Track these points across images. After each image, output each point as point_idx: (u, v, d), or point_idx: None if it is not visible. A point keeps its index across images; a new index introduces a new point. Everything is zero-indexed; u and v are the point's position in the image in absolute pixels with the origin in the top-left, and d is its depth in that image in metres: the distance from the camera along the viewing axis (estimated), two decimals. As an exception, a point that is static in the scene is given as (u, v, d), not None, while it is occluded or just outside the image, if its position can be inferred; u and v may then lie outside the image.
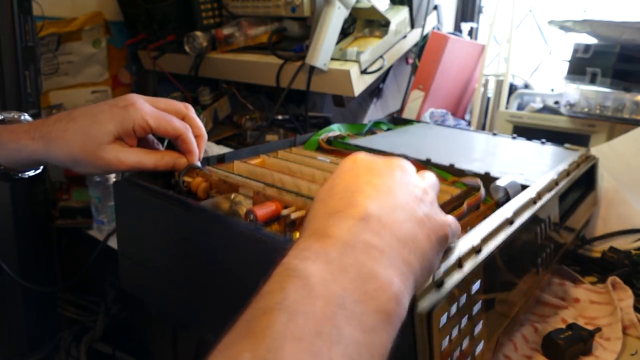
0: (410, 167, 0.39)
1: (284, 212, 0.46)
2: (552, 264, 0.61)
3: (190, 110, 0.56)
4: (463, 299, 0.38)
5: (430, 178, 0.39)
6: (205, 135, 0.57)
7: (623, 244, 0.78)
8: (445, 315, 0.35)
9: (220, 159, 0.62)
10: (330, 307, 0.26)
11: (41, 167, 0.57)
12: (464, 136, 0.89)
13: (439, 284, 0.35)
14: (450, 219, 0.37)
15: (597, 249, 0.79)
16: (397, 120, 0.99)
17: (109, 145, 0.50)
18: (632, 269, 0.72)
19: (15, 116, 0.57)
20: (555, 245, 0.61)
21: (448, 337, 0.36)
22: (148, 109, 0.51)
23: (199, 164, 0.55)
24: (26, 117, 0.58)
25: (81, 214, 1.02)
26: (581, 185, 0.77)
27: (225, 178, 0.53)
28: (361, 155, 0.38)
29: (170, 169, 0.54)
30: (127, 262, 0.56)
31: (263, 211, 0.46)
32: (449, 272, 0.37)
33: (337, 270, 0.28)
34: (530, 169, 0.67)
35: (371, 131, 0.86)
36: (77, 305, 1.25)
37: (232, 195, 0.51)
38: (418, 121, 1.00)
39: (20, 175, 0.55)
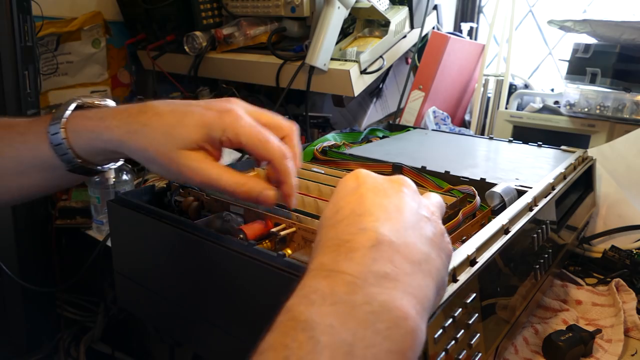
0: (414, 186, 0.37)
1: (274, 230, 0.46)
2: (551, 267, 0.61)
3: (294, 132, 0.47)
4: (458, 310, 0.38)
5: (434, 198, 0.39)
6: (300, 165, 0.47)
7: (624, 243, 0.78)
8: (440, 327, 0.35)
9: None
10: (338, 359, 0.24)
11: (120, 161, 0.51)
12: (460, 141, 0.89)
13: None
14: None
15: (597, 249, 0.79)
16: (393, 126, 0.99)
17: (189, 151, 0.43)
18: (633, 268, 0.72)
19: (96, 101, 0.51)
20: (554, 248, 0.61)
21: (444, 349, 0.36)
22: (245, 122, 0.43)
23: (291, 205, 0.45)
24: (108, 102, 0.51)
25: (80, 214, 1.02)
26: (579, 187, 0.77)
27: (217, 196, 0.53)
28: (363, 173, 0.36)
29: (251, 199, 0.43)
30: (122, 280, 0.57)
31: (253, 230, 0.46)
32: None
33: (346, 312, 0.26)
34: (526, 173, 0.67)
35: (367, 139, 0.86)
36: (76, 305, 1.25)
37: (224, 214, 0.51)
38: (414, 127, 1.00)
39: (98, 168, 0.49)
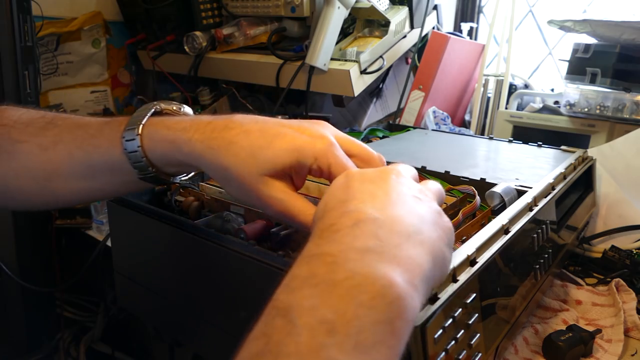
0: (406, 171, 0.37)
1: (274, 229, 0.46)
2: (552, 267, 0.61)
3: (384, 165, 0.43)
4: (458, 311, 0.38)
5: (432, 184, 0.38)
6: None
7: (624, 243, 0.78)
8: (440, 328, 0.35)
9: None
10: (318, 339, 0.24)
11: (192, 172, 0.49)
12: (460, 141, 0.89)
13: (433, 297, 0.35)
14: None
15: (597, 249, 0.79)
16: (393, 126, 1.00)
17: (273, 180, 0.39)
18: (633, 268, 0.72)
19: (175, 107, 0.48)
20: (554, 248, 0.61)
21: (444, 349, 0.36)
22: (340, 153, 0.39)
23: None
24: (186, 109, 0.49)
25: (80, 214, 1.02)
26: (579, 187, 0.77)
27: (217, 196, 0.53)
28: (352, 170, 0.36)
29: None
30: (122, 280, 0.57)
31: (253, 229, 0.46)
32: (443, 285, 0.37)
33: (327, 291, 0.26)
34: (526, 173, 0.67)
35: (367, 139, 0.86)
36: (76, 305, 1.25)
37: (224, 214, 0.51)
38: (414, 127, 1.00)
39: (171, 179, 0.47)
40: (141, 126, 0.43)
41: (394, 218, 0.30)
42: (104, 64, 1.36)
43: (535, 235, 0.54)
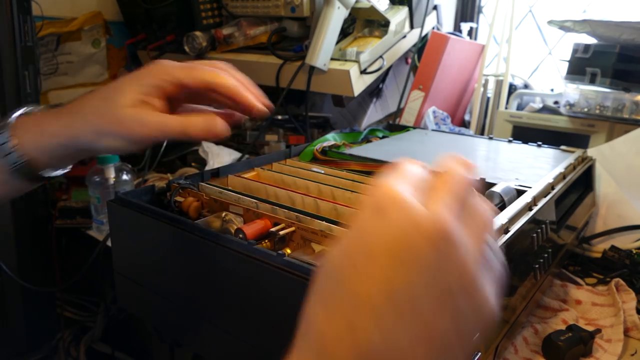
0: (457, 233, 0.24)
1: (273, 229, 0.47)
2: (551, 267, 0.61)
3: (231, 67, 0.48)
4: None
5: (485, 223, 0.27)
6: (256, 92, 0.48)
7: (624, 243, 0.78)
8: None
9: (214, 174, 0.62)
10: None
11: (68, 168, 0.52)
12: (460, 141, 0.89)
13: None
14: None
15: (597, 249, 0.79)
16: (393, 126, 0.99)
17: (130, 108, 0.43)
18: (633, 268, 0.73)
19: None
20: (553, 248, 0.61)
21: None
22: (174, 63, 0.45)
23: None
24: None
25: (80, 214, 1.02)
26: (579, 187, 0.77)
27: (217, 197, 0.53)
28: (389, 199, 0.25)
29: (206, 134, 0.45)
30: (122, 280, 0.57)
31: (252, 229, 0.47)
32: None
33: None
34: (526, 173, 0.67)
35: (367, 139, 0.86)
36: (76, 305, 1.25)
37: (223, 214, 0.52)
38: (414, 127, 1.00)
39: (44, 174, 0.50)
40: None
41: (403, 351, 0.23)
42: (104, 64, 1.36)
43: (534, 235, 0.54)
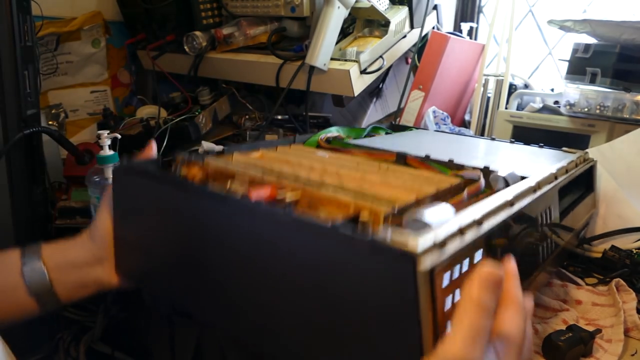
0: None
1: (280, 193, 0.46)
2: (552, 261, 0.61)
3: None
4: (466, 263, 0.36)
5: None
6: None
7: (624, 243, 0.78)
8: (448, 275, 0.34)
9: (220, 153, 0.62)
10: None
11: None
12: (462, 140, 0.89)
13: (441, 244, 0.34)
14: None
15: (597, 249, 0.79)
16: (395, 126, 0.99)
17: None
18: (633, 268, 0.72)
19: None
20: (554, 241, 0.61)
21: (451, 298, 0.35)
22: None
23: None
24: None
25: (80, 214, 1.02)
26: (580, 185, 0.77)
27: (222, 169, 0.53)
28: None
29: None
30: (122, 247, 0.56)
31: (258, 194, 0.45)
32: (451, 237, 0.35)
33: None
34: (528, 167, 0.67)
35: (370, 135, 0.87)
36: (76, 305, 1.25)
37: (228, 182, 0.51)
38: (417, 127, 1.00)
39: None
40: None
41: None
42: (104, 63, 1.36)
43: (538, 219, 0.53)
